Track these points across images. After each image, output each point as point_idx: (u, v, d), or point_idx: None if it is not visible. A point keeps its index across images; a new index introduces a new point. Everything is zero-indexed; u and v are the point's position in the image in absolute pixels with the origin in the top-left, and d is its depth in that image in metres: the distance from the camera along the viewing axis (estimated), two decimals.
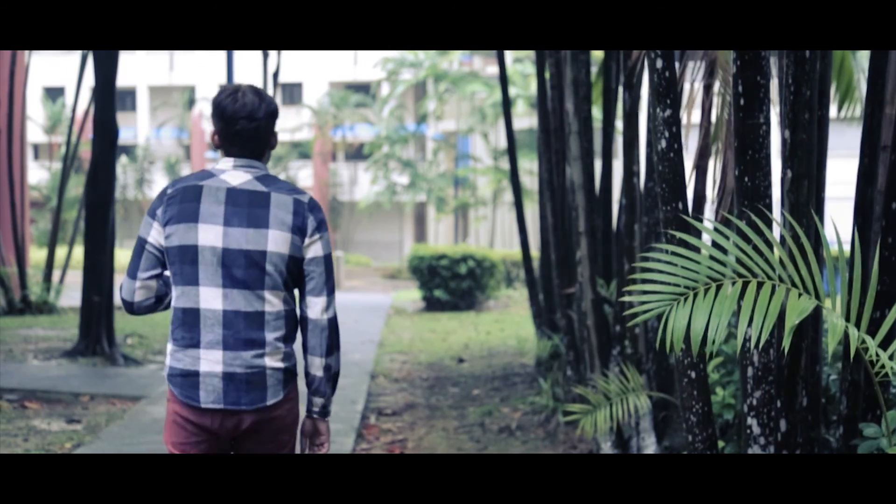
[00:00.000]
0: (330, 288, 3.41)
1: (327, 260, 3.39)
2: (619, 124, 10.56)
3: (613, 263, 7.95)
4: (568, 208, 8.66)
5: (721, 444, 5.06)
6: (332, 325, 3.42)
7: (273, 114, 3.39)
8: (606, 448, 6.51)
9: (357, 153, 45.03)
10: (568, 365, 8.43)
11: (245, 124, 3.32)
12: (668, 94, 3.72)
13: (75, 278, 18.78)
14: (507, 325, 16.86)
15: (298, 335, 3.51)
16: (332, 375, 3.46)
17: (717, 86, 5.63)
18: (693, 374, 3.73)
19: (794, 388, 3.66)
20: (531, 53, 32.81)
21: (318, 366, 3.42)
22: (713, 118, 5.72)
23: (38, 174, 41.69)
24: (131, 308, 3.46)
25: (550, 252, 9.31)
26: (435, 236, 43.94)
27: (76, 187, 33.48)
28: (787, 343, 2.73)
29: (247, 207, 3.32)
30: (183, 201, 3.32)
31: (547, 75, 9.51)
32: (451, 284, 20.06)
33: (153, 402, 8.81)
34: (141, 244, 3.38)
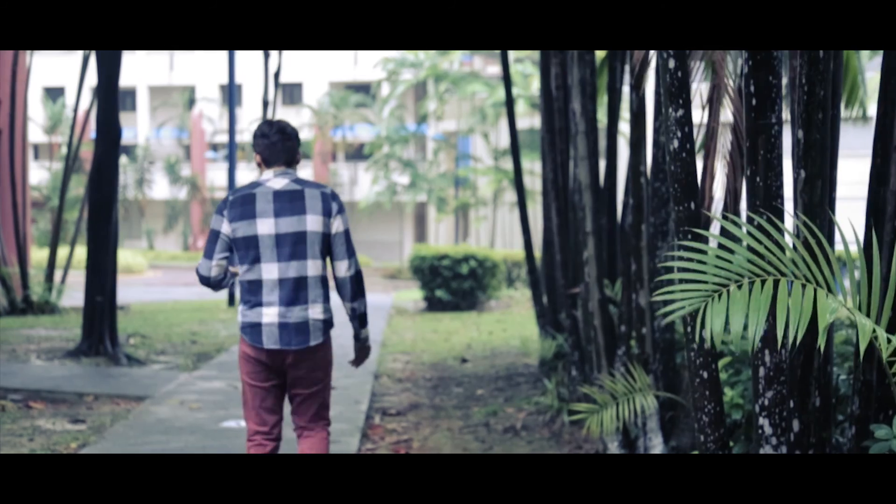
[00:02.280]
0: (350, 252, 4.68)
1: (347, 233, 4.67)
2: (621, 124, 10.52)
3: (619, 264, 7.95)
4: (572, 208, 8.66)
5: (730, 444, 5.04)
6: (354, 279, 4.69)
7: (297, 135, 4.74)
8: (613, 448, 6.51)
9: (357, 153, 45.03)
10: (573, 365, 8.42)
11: (278, 137, 4.65)
12: (680, 94, 3.71)
13: (76, 278, 18.76)
14: (509, 325, 16.85)
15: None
16: (357, 315, 4.77)
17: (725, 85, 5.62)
18: (705, 374, 3.72)
19: (807, 388, 3.65)
20: (531, 54, 32.80)
21: (347, 308, 4.76)
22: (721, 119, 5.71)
23: (38, 174, 41.68)
24: (207, 281, 4.69)
25: (555, 252, 9.30)
26: (435, 236, 43.93)
27: (76, 187, 33.48)
28: (822, 341, 2.72)
29: (289, 202, 4.58)
30: (243, 205, 4.58)
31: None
32: (452, 284, 20.05)
33: (157, 402, 8.81)
34: (215, 234, 4.62)
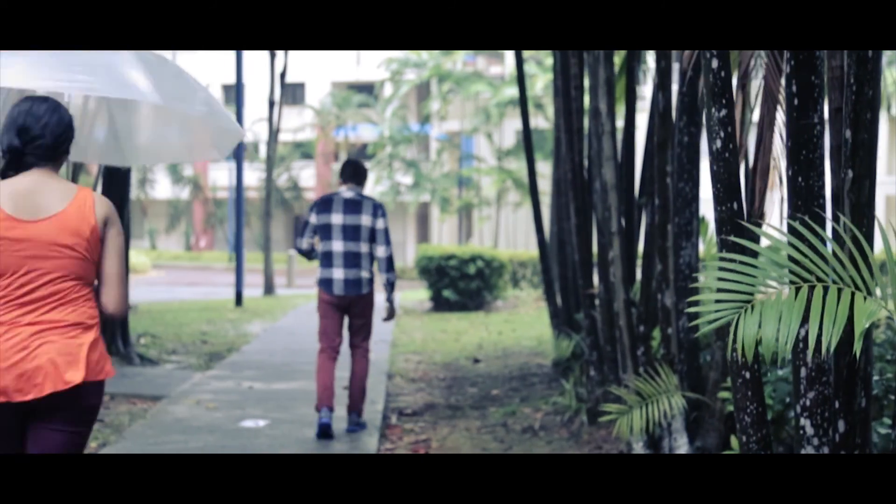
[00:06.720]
0: (387, 241, 7.36)
1: (386, 229, 7.39)
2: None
3: (638, 264, 7.93)
4: (590, 208, 8.66)
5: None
6: (388, 259, 7.38)
7: (365, 169, 7.64)
8: (638, 448, 6.50)
9: (360, 153, 44.98)
10: (591, 365, 8.41)
11: (351, 172, 7.52)
12: (723, 94, 3.71)
13: None
14: (517, 325, 16.84)
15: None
16: (390, 284, 7.51)
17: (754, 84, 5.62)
18: (747, 375, 3.72)
19: (852, 389, 3.65)
20: (534, 53, 32.76)
21: (383, 278, 7.49)
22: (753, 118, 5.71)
23: None
24: (301, 252, 7.55)
25: (573, 252, 9.29)
26: (439, 237, 43.92)
27: None
28: (858, 347, 2.71)
29: (352, 206, 7.40)
30: (324, 204, 7.45)
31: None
32: (459, 284, 20.01)
33: (174, 402, 8.80)
34: (306, 223, 7.46)
